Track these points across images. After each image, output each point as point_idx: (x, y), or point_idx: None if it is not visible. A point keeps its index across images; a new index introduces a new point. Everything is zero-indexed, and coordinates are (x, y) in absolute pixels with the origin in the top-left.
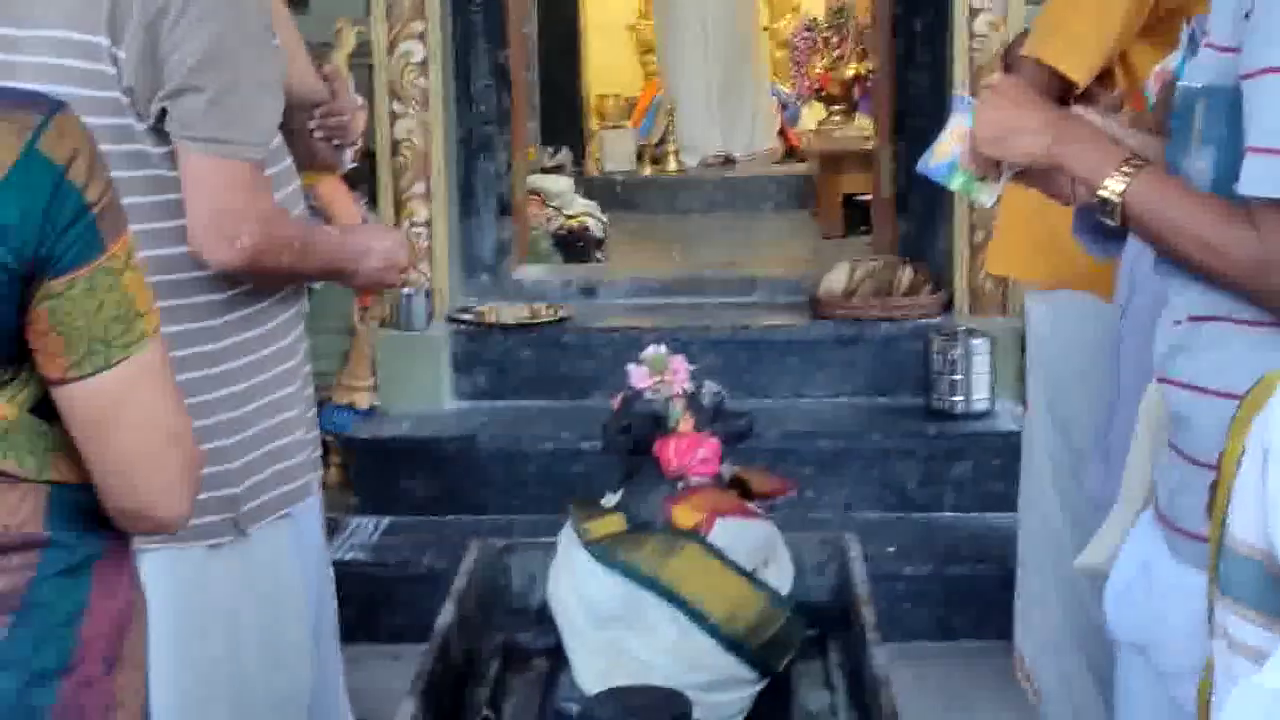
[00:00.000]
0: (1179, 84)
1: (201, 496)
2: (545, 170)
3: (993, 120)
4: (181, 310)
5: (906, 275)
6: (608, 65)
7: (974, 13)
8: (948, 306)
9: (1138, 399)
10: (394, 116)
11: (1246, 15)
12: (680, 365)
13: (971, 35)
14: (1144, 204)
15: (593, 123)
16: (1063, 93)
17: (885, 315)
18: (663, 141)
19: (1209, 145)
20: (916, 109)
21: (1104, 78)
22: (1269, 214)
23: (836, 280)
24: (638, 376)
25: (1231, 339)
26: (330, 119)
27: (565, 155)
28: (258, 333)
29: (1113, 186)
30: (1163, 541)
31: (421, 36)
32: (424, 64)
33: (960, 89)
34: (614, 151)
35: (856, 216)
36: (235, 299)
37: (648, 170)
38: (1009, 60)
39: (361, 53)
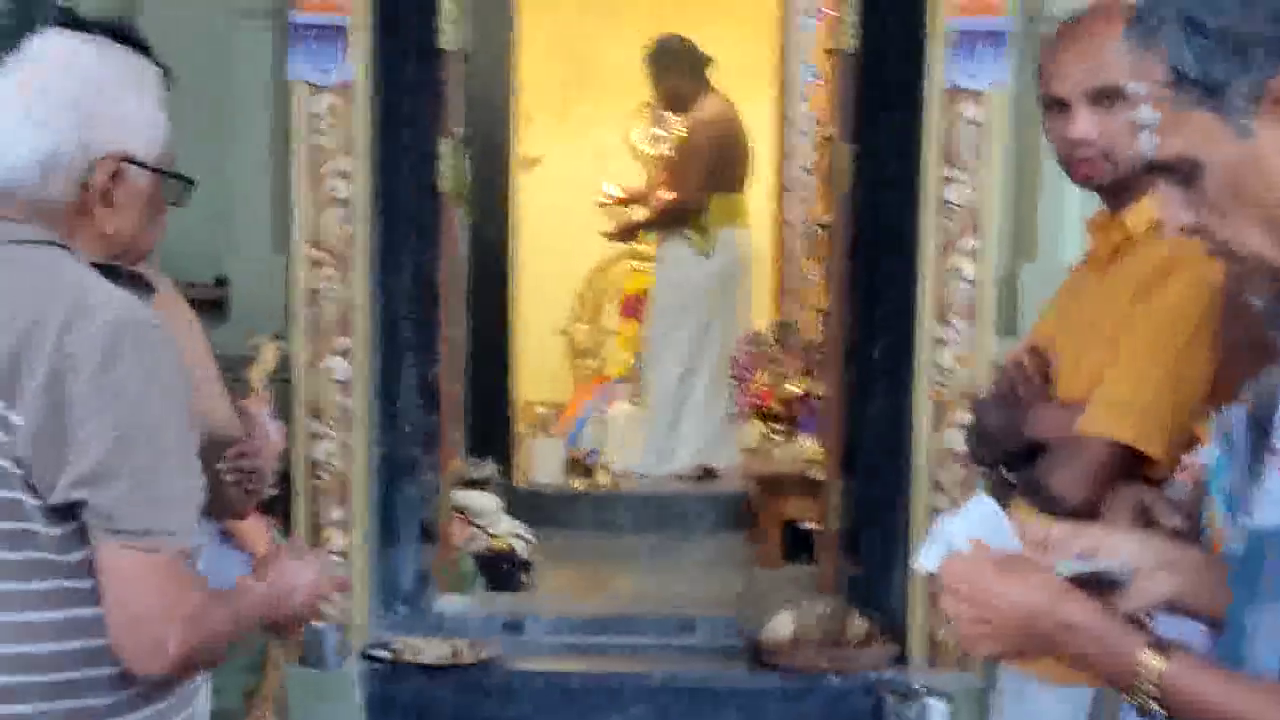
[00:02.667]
0: (1245, 523)
1: None
2: (470, 483)
3: (968, 629)
4: (60, 716)
5: (857, 624)
6: (538, 370)
7: (938, 344)
8: (902, 658)
9: None
10: (313, 437)
11: None
12: None
13: (936, 369)
14: (1184, 695)
15: (520, 428)
16: (1130, 471)
17: (835, 667)
18: (593, 452)
19: None
20: (871, 443)
21: None
22: None
23: (782, 627)
24: None
25: None
26: (244, 460)
27: (491, 467)
28: None
29: (1144, 686)
30: None
31: (345, 353)
32: (347, 382)
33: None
34: (542, 462)
35: (796, 543)
36: (121, 704)
37: (577, 483)
38: (988, 447)
39: (281, 368)
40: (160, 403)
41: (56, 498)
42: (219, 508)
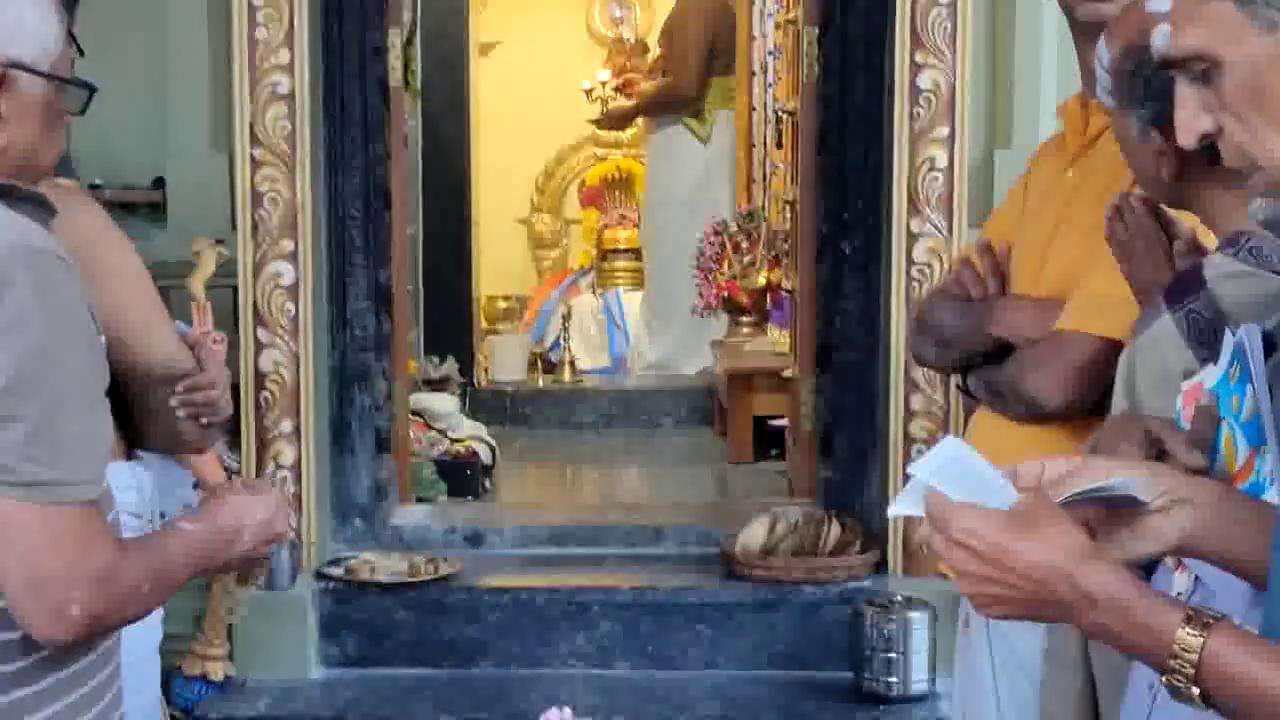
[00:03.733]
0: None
1: None
2: (429, 383)
3: (978, 589)
4: None
5: (833, 532)
6: (499, 264)
7: (913, 238)
8: (879, 566)
9: None
10: (259, 346)
11: None
12: None
13: (910, 263)
14: (1228, 676)
15: (481, 324)
16: (1108, 372)
17: (809, 577)
18: (556, 346)
19: None
20: (844, 340)
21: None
22: None
23: (754, 536)
24: None
25: None
26: (196, 393)
27: (451, 366)
28: (54, 709)
29: (1180, 666)
30: None
31: (293, 256)
32: (294, 287)
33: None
34: (504, 359)
35: (767, 439)
36: (26, 672)
37: (540, 380)
38: (946, 349)
39: (225, 272)
40: (58, 339)
41: None
42: (174, 444)
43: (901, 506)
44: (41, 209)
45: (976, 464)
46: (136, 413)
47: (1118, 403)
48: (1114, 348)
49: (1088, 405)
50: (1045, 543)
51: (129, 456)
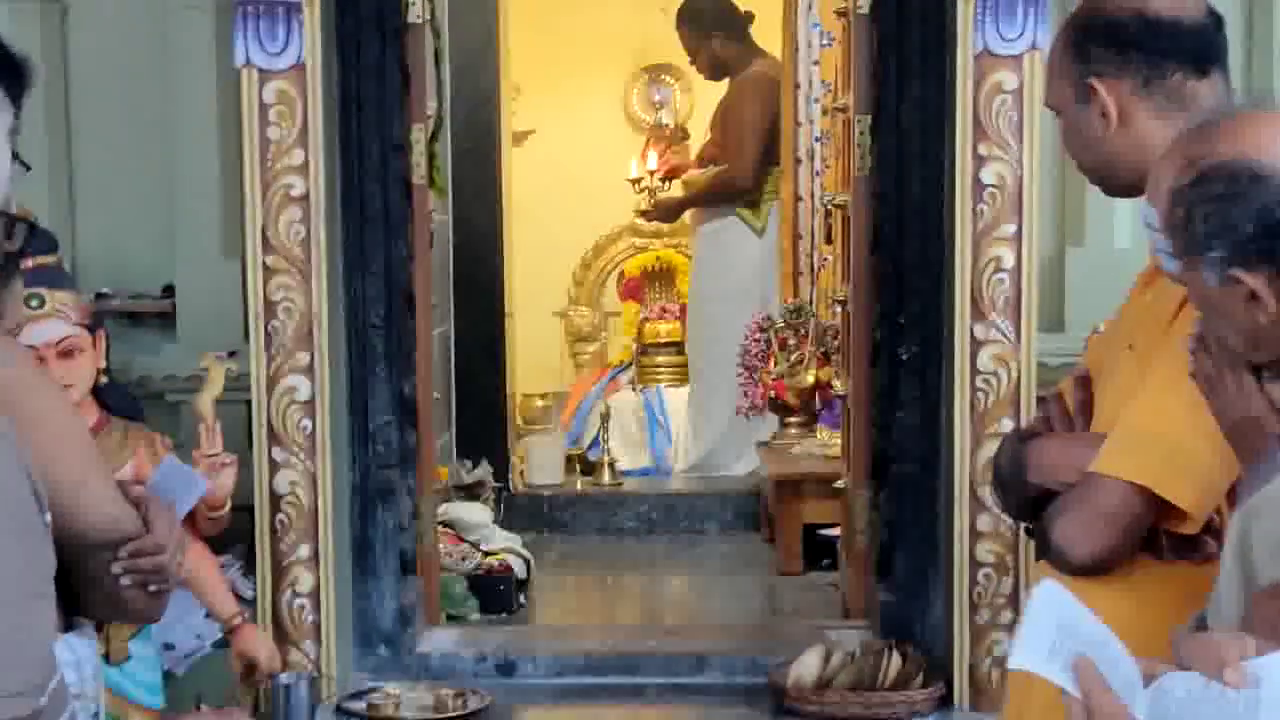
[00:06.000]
0: None
1: None
2: (461, 489)
3: None
4: None
5: (893, 664)
6: (535, 359)
7: (977, 344)
8: (944, 701)
9: None
10: (274, 466)
11: None
12: None
13: (974, 371)
14: None
15: (517, 423)
16: (1153, 531)
17: (868, 714)
18: (595, 446)
19: None
20: (901, 451)
21: None
22: None
23: (808, 668)
24: None
25: None
26: (141, 559)
27: (484, 470)
28: None
29: None
30: None
31: (309, 369)
32: (311, 402)
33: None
34: (541, 461)
35: (817, 548)
36: None
37: (578, 483)
38: (1001, 493)
39: (239, 386)
40: None
41: None
42: (119, 614)
43: (1029, 659)
44: None
45: (1086, 626)
46: (74, 579)
47: (1228, 573)
48: (1144, 493)
49: (1121, 557)
50: None
51: (68, 628)
